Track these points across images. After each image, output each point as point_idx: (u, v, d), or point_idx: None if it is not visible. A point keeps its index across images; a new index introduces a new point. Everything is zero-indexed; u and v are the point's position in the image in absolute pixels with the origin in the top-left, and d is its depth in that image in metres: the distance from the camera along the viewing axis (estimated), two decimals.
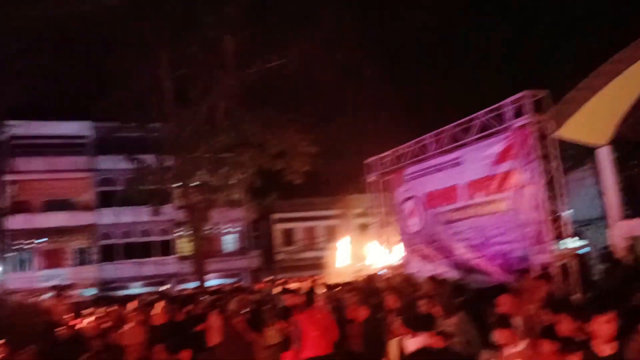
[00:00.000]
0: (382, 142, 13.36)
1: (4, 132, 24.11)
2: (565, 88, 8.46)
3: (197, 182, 19.26)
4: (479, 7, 25.63)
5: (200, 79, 18.86)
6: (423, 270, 10.89)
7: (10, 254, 25.97)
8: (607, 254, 10.73)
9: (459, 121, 10.16)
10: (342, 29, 18.76)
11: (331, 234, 28.60)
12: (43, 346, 8.71)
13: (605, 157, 10.73)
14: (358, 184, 16.99)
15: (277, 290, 14.75)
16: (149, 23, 17.97)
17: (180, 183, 19.53)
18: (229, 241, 31.41)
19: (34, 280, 24.04)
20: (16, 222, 25.86)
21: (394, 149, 12.20)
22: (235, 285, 19.12)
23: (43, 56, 18.34)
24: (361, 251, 16.90)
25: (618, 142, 9.80)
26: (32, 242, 27.20)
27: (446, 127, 10.47)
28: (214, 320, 9.69)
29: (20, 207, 26.77)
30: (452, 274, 10.16)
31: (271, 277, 22.68)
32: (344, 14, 19.10)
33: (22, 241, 26.69)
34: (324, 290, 11.63)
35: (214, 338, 9.55)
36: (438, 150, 10.76)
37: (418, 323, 5.28)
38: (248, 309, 10.41)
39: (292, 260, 29.48)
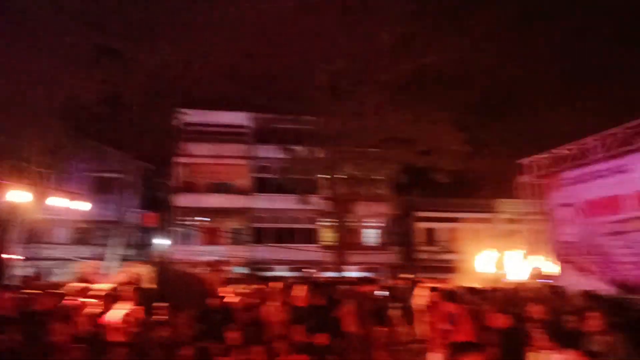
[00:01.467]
0: (539, 143, 12.49)
1: (179, 119, 27.14)
2: None
3: (344, 175, 19.72)
4: None
5: (353, 73, 19.22)
6: (576, 283, 10.01)
7: (178, 228, 29.23)
8: None
9: (629, 123, 9.12)
10: (500, 27, 17.79)
11: (474, 238, 27.47)
12: (197, 312, 9.68)
13: None
14: (508, 187, 16.07)
15: (412, 287, 14.58)
16: (313, 17, 18.74)
17: (328, 175, 20.17)
18: (371, 235, 31.66)
19: (194, 253, 26.68)
20: (184, 200, 28.95)
21: (551, 151, 11.35)
22: (368, 277, 19.20)
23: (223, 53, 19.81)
24: (506, 258, 15.98)
25: None
26: (196, 220, 30.29)
27: (614, 129, 9.47)
28: (348, 309, 9.93)
29: (188, 187, 29.92)
30: (610, 290, 9.20)
31: (407, 275, 22.36)
32: (503, 13, 18.08)
33: (187, 218, 29.87)
34: (463, 293, 11.25)
35: (349, 325, 9.79)
36: (603, 155, 9.78)
37: (565, 339, 4.92)
38: (371, 302, 10.46)
39: (432, 261, 28.79)
